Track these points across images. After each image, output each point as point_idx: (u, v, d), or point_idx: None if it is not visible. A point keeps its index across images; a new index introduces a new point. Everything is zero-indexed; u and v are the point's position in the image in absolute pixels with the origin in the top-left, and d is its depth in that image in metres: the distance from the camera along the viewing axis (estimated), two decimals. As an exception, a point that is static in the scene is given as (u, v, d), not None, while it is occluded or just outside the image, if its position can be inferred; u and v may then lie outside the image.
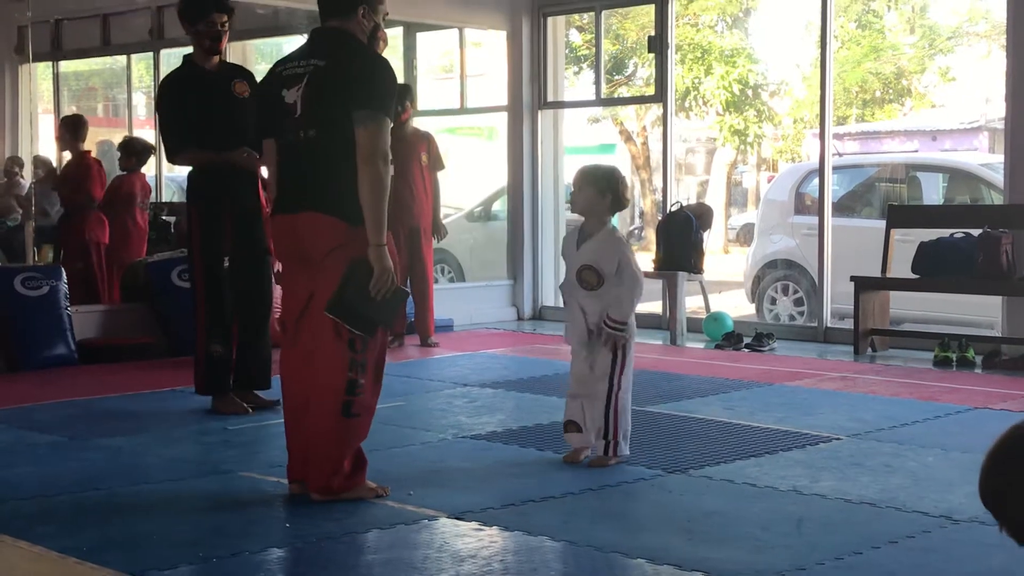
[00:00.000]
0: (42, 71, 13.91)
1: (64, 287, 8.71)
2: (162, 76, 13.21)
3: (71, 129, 10.20)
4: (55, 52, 13.84)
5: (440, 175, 9.70)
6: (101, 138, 13.53)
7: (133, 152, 10.40)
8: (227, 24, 6.84)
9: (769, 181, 18.11)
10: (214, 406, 6.82)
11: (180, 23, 6.90)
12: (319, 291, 4.75)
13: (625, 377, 5.48)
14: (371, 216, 4.64)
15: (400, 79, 11.48)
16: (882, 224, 9.75)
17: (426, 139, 9.63)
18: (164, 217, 10.81)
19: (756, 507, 4.86)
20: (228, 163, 6.64)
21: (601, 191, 5.48)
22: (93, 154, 10.49)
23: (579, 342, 5.51)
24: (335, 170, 4.74)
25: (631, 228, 24.81)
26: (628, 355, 5.50)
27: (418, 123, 9.85)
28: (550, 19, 11.68)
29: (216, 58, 6.86)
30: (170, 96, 6.81)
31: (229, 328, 6.75)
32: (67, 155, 10.46)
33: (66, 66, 14.24)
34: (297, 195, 4.84)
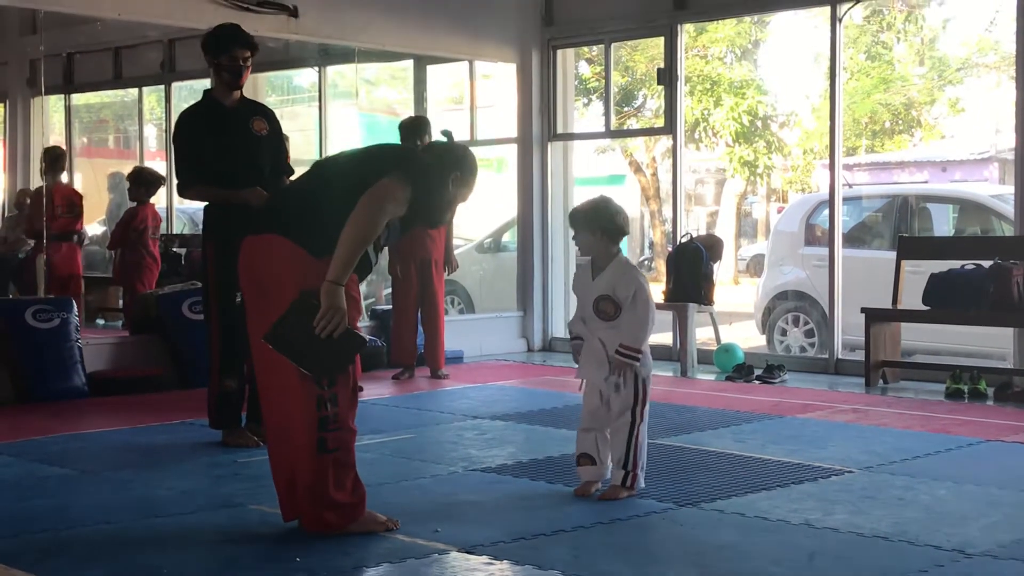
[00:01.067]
0: (54, 104, 13.98)
1: (75, 319, 8.73)
2: (173, 109, 13.36)
3: (47, 160, 10.35)
4: (67, 85, 13.90)
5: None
6: (112, 170, 13.58)
7: (142, 183, 10.45)
8: (249, 60, 6.81)
9: (779, 212, 18.12)
10: (225, 440, 6.81)
11: (203, 55, 6.88)
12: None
13: (646, 410, 5.51)
14: (342, 252, 4.51)
15: (411, 111, 11.57)
16: (893, 255, 9.74)
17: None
18: (175, 249, 10.84)
19: (768, 541, 4.83)
20: (239, 201, 6.60)
21: (592, 231, 5.51)
22: (76, 185, 10.59)
23: (598, 375, 5.50)
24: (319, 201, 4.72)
25: (641, 259, 24.80)
26: (648, 388, 5.52)
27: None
28: (559, 51, 11.72)
29: (236, 93, 6.84)
30: (187, 129, 6.79)
31: (242, 363, 6.74)
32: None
33: (78, 99, 14.31)
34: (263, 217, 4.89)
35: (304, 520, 4.85)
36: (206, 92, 6.88)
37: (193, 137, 6.73)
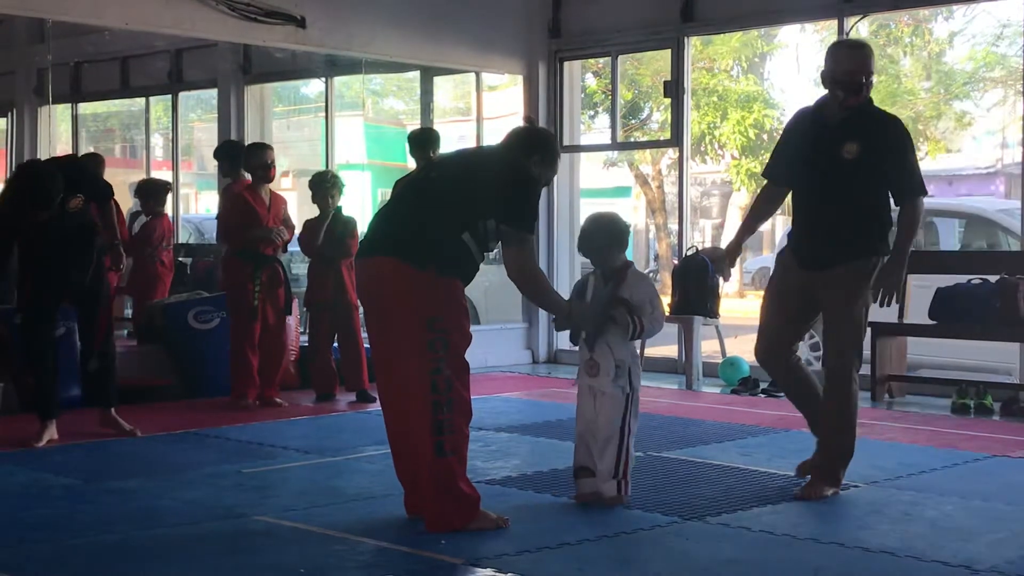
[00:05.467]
0: (61, 113, 14.00)
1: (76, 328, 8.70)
2: (180, 118, 13.39)
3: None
4: (74, 94, 13.93)
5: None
6: (119, 179, 13.59)
7: (151, 194, 10.44)
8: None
9: (785, 225, 18.10)
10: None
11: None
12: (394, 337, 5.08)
13: (636, 421, 5.58)
14: (546, 309, 5.59)
15: (418, 122, 11.58)
16: (899, 270, 9.69)
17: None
18: (181, 259, 10.83)
19: (774, 555, 4.82)
20: None
21: (599, 248, 5.64)
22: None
23: (606, 379, 5.51)
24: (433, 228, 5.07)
25: (646, 271, 24.80)
26: (637, 399, 5.57)
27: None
28: (566, 64, 11.73)
29: None
30: None
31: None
32: None
33: (85, 108, 14.33)
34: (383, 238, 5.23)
35: (427, 520, 5.05)
36: None
37: None
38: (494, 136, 13.22)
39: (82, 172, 7.43)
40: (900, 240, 5.80)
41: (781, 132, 6.29)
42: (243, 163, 8.93)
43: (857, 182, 5.73)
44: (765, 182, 6.26)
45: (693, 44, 11.17)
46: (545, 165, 5.27)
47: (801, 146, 5.89)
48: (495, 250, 5.30)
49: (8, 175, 13.65)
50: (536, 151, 5.24)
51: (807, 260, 5.82)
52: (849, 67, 5.70)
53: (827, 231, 5.76)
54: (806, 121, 5.95)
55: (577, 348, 5.73)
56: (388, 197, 5.47)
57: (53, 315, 7.36)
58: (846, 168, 5.71)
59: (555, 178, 11.40)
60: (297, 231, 9.00)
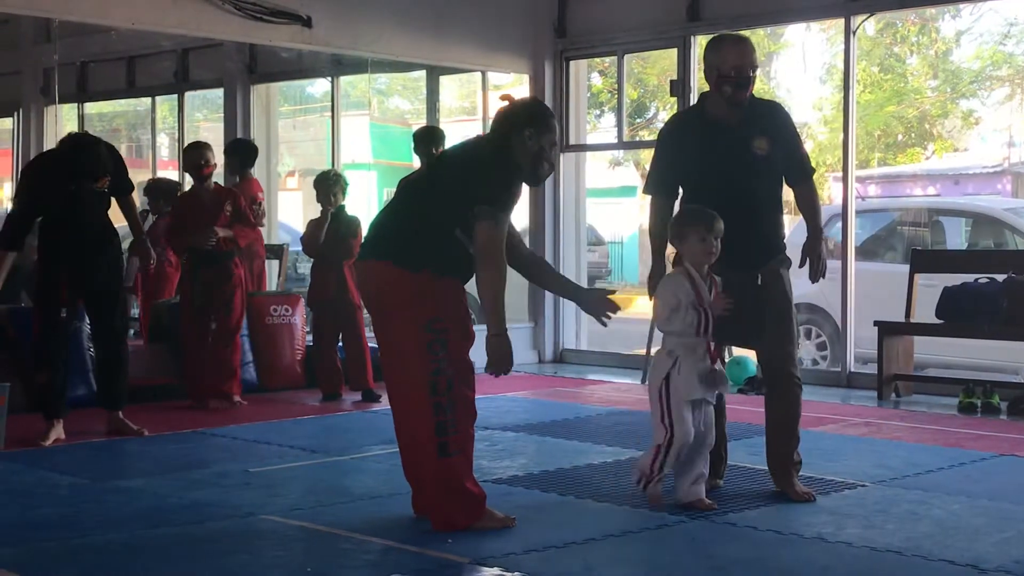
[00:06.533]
0: (67, 112, 14.03)
1: (87, 328, 8.71)
2: (186, 118, 13.40)
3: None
4: (81, 94, 13.95)
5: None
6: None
7: (161, 194, 10.48)
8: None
9: (793, 223, 18.06)
10: None
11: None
12: (395, 340, 5.06)
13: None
14: (488, 306, 4.97)
15: (424, 121, 11.58)
16: (905, 268, 9.70)
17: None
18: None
19: (781, 555, 4.81)
20: None
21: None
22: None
23: (704, 391, 5.42)
24: (423, 227, 5.02)
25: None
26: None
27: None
28: (572, 63, 11.72)
29: None
30: None
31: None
32: None
33: (91, 107, 14.36)
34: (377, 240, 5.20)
35: (433, 519, 5.07)
36: None
37: None
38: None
39: (113, 154, 7.50)
40: (815, 218, 5.90)
41: (657, 144, 5.96)
42: (184, 164, 9.00)
43: (768, 177, 5.70)
44: (648, 199, 5.97)
45: (699, 43, 11.14)
46: (541, 134, 5.07)
47: (698, 151, 5.68)
48: None
49: (13, 175, 13.69)
50: (526, 125, 5.07)
51: (738, 262, 5.59)
52: (736, 61, 5.58)
53: (745, 232, 5.58)
54: (692, 125, 5.79)
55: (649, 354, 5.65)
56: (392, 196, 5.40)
57: (68, 313, 7.38)
58: (757, 165, 5.64)
59: (560, 178, 11.54)
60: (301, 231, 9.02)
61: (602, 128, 20.29)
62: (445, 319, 5.00)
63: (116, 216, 7.60)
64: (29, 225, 7.28)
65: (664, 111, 20.99)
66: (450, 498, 5.01)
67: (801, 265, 5.89)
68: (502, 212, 4.94)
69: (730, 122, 5.66)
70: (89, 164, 7.12)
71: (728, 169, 5.63)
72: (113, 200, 7.53)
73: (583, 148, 12.02)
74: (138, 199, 11.42)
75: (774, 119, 5.77)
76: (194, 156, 8.73)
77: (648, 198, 5.98)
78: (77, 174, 7.11)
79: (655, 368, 5.47)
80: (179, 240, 8.75)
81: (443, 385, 4.94)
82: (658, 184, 5.84)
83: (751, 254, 5.67)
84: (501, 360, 4.96)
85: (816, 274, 5.88)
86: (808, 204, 5.92)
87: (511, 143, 5.08)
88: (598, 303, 5.48)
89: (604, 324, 5.47)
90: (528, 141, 5.06)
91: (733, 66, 5.58)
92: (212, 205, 8.63)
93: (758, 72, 5.73)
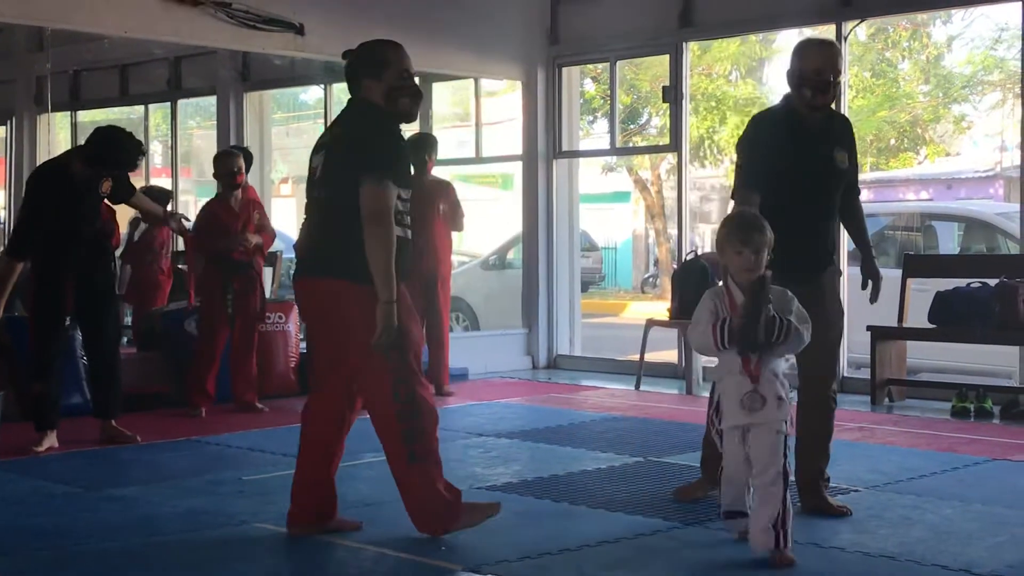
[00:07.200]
0: (60, 120, 14.02)
1: (79, 336, 8.70)
2: (179, 126, 13.40)
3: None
4: (74, 102, 13.95)
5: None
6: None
7: (154, 202, 10.44)
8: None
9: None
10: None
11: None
12: (352, 353, 4.94)
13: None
14: (377, 274, 4.77)
15: (416, 128, 11.58)
16: (898, 273, 9.71)
17: (445, 188, 9.66)
18: (180, 266, 10.83)
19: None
20: None
21: (763, 247, 4.89)
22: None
23: (771, 413, 4.77)
24: (344, 229, 4.86)
25: (646, 276, 24.79)
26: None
27: (435, 172, 9.87)
28: (565, 69, 11.73)
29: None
30: None
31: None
32: None
33: (84, 116, 14.34)
34: (310, 257, 5.07)
35: (417, 526, 5.05)
36: None
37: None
38: (493, 142, 13.26)
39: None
40: (866, 235, 5.97)
41: (754, 141, 5.70)
42: (215, 171, 9.00)
43: (840, 188, 5.73)
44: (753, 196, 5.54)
45: (691, 49, 11.17)
46: (382, 73, 4.99)
47: (782, 152, 5.59)
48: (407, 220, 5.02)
49: (7, 183, 13.69)
50: (363, 75, 5.02)
51: (803, 267, 5.51)
52: (817, 64, 5.54)
53: (817, 237, 5.63)
54: (781, 126, 5.68)
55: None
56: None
57: (64, 322, 7.41)
58: (837, 175, 5.67)
59: (554, 183, 11.54)
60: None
61: (595, 134, 20.27)
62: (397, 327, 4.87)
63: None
64: (37, 235, 7.28)
65: (657, 117, 21.01)
66: (427, 505, 4.98)
67: (864, 287, 5.86)
68: (386, 171, 4.83)
69: (811, 127, 5.63)
70: (126, 158, 7.39)
71: (811, 172, 5.60)
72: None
73: (576, 154, 12.03)
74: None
75: (848, 133, 5.79)
76: (228, 163, 8.83)
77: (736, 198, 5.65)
78: (120, 165, 7.37)
79: (711, 395, 5.29)
80: (208, 242, 8.75)
81: (404, 393, 4.90)
82: (758, 177, 5.55)
83: (813, 259, 5.67)
84: (388, 329, 4.77)
85: (878, 295, 5.85)
86: (860, 221, 5.93)
87: (364, 98, 5.02)
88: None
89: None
90: (373, 88, 5.00)
91: (814, 69, 5.55)
92: (243, 212, 8.79)
93: (842, 79, 5.68)
